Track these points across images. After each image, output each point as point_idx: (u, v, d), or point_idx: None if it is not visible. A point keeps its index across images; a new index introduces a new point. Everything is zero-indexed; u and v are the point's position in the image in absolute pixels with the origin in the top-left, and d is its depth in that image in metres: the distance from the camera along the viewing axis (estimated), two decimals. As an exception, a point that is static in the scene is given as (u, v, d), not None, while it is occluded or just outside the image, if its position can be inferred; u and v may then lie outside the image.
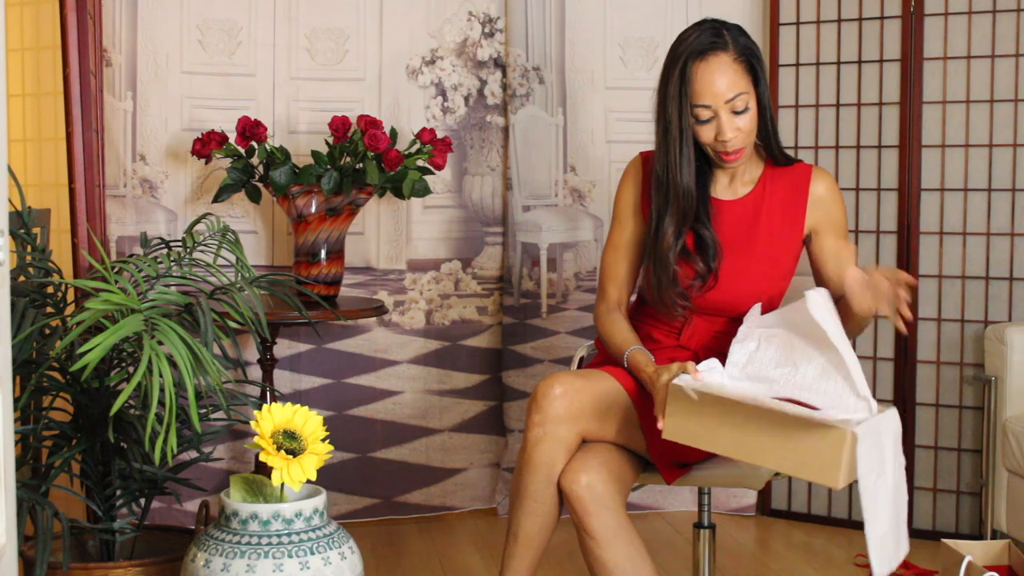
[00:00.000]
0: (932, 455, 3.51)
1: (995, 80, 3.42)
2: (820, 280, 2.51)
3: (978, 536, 3.39)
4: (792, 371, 2.21)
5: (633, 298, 2.60)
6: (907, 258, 3.52)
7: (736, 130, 2.34)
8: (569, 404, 2.26)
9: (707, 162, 2.46)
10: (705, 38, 2.34)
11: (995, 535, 3.25)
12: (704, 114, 2.35)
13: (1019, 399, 3.22)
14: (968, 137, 3.45)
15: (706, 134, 2.37)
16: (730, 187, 2.48)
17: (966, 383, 3.45)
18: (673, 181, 2.39)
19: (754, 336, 2.32)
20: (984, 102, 3.44)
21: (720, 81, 2.32)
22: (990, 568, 2.68)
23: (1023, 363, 3.21)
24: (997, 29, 3.41)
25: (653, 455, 2.33)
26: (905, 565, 3.23)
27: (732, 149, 2.36)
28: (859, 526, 3.81)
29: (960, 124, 3.46)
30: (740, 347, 2.28)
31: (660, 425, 2.15)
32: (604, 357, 2.53)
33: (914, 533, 3.53)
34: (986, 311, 3.44)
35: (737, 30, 2.38)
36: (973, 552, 2.72)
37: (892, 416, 2.18)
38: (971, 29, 3.43)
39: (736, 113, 2.34)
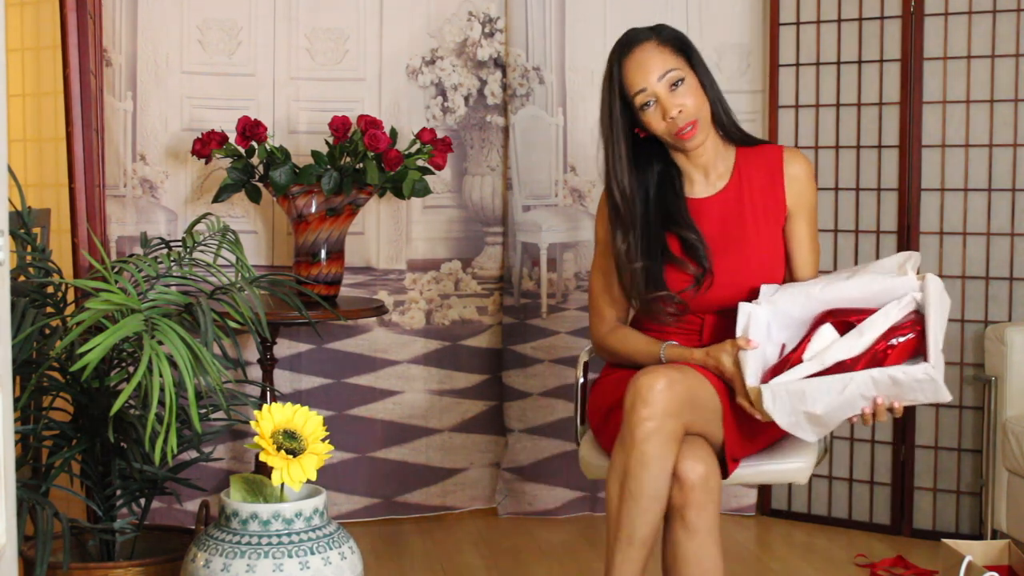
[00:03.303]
0: (932, 455, 3.51)
1: (995, 80, 3.42)
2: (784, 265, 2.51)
3: (978, 536, 3.39)
4: (827, 283, 2.33)
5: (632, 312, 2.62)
6: (907, 258, 3.51)
7: (680, 105, 2.36)
8: (673, 397, 2.20)
9: (673, 164, 2.48)
10: (627, 37, 2.42)
11: (995, 535, 3.25)
12: (642, 99, 2.38)
13: (1019, 399, 3.22)
14: (968, 137, 3.45)
15: (655, 121, 2.39)
16: (707, 183, 2.48)
17: (966, 383, 3.45)
18: (619, 187, 2.42)
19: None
20: (984, 102, 3.43)
21: (648, 63, 2.37)
22: (990, 568, 2.68)
23: (1023, 363, 3.21)
24: (997, 29, 3.41)
25: (729, 448, 2.32)
26: (905, 565, 3.23)
27: (683, 123, 2.37)
28: (859, 526, 3.81)
29: (960, 124, 3.46)
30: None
31: (758, 417, 2.24)
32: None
33: (914, 533, 3.53)
34: (986, 311, 3.44)
35: (662, 26, 2.44)
36: (973, 552, 2.72)
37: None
38: (971, 29, 3.42)
39: (673, 87, 2.37)
